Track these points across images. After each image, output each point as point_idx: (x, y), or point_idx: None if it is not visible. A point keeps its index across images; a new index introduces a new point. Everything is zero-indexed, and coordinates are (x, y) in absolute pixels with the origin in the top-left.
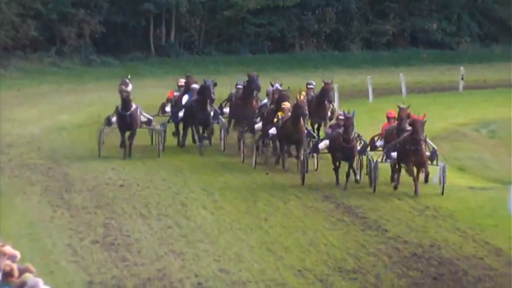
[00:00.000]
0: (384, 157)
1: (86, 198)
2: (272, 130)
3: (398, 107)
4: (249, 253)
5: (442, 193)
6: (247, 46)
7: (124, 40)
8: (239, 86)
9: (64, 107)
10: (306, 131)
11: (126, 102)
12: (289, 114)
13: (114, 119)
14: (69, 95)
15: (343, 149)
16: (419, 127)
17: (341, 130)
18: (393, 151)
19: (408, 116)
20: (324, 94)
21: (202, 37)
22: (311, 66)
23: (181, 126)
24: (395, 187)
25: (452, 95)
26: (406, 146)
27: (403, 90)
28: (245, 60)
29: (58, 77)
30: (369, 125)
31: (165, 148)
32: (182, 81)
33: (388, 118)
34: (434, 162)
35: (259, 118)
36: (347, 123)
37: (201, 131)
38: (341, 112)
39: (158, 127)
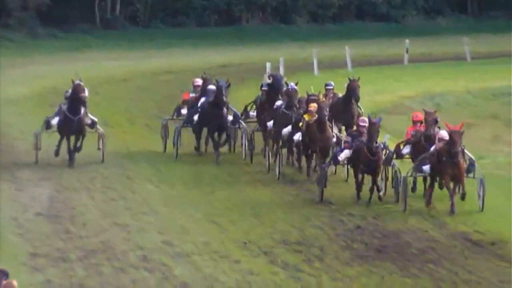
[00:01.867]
0: (414, 171)
1: (32, 171)
2: (297, 136)
3: (424, 111)
4: (194, 225)
5: (482, 209)
6: (194, 19)
7: (70, 13)
8: (264, 88)
9: (11, 80)
10: (335, 138)
11: (78, 106)
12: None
13: (54, 121)
14: (16, 68)
15: (367, 161)
16: (456, 138)
17: (364, 139)
18: (425, 164)
19: (436, 121)
20: (351, 93)
21: (148, 10)
22: (258, 39)
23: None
24: (428, 203)
25: (397, 68)
26: (442, 158)
27: (349, 63)
28: (191, 34)
29: (4, 50)
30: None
31: (178, 155)
32: (198, 81)
33: (414, 121)
34: (471, 175)
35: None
36: (372, 130)
37: (217, 137)
38: (363, 118)
39: (101, 130)
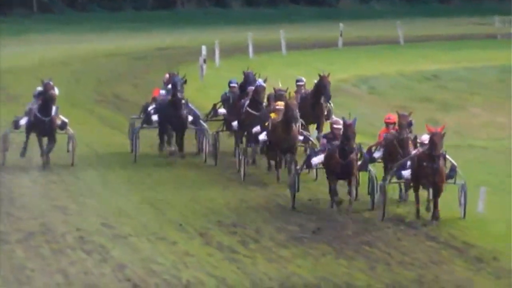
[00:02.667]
0: (391, 177)
1: None
2: (263, 136)
3: (398, 113)
4: (132, 208)
5: (464, 216)
6: (130, 3)
7: None
8: (233, 85)
9: None
10: (302, 137)
11: (49, 106)
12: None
13: (23, 121)
14: None
15: (339, 165)
16: (437, 140)
17: (338, 142)
18: (404, 169)
19: (410, 124)
20: (321, 90)
21: None
22: (193, 23)
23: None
24: (418, 211)
25: (332, 52)
26: (423, 163)
27: (283, 46)
28: (128, 17)
29: None
30: None
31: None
32: (167, 77)
33: (386, 123)
34: (452, 181)
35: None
36: (347, 132)
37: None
38: (336, 119)
39: (71, 131)
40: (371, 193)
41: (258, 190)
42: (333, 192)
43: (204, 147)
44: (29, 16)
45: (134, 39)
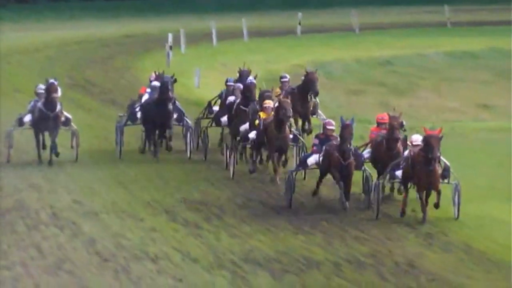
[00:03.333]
0: (387, 177)
1: None
2: (252, 135)
3: (389, 115)
4: (102, 186)
5: (457, 217)
6: None
7: None
8: (229, 83)
9: None
10: (291, 136)
11: (53, 103)
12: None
13: (27, 118)
14: None
15: (339, 165)
16: (434, 143)
17: (335, 142)
18: (398, 169)
19: (401, 125)
20: (308, 86)
21: None
22: (159, 11)
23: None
24: (403, 212)
25: (291, 39)
26: (417, 165)
27: (245, 34)
28: (96, 6)
29: None
30: (212, 69)
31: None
32: (154, 77)
33: (378, 123)
34: (446, 181)
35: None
36: (345, 132)
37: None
38: (329, 120)
39: (74, 127)
40: (366, 192)
41: (222, 171)
42: (317, 186)
43: (189, 143)
44: (5, 5)
45: (104, 27)
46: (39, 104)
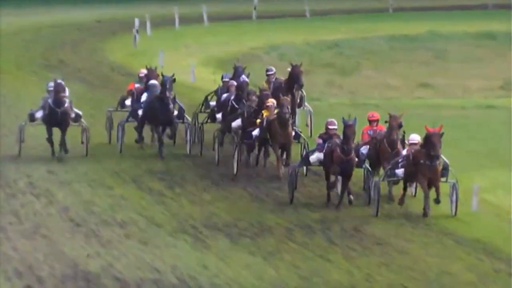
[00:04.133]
0: (386, 175)
1: None
2: (256, 132)
3: (389, 115)
4: (74, 158)
5: (455, 214)
6: None
7: None
8: (225, 79)
9: None
10: (294, 133)
11: (60, 99)
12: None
13: (38, 114)
14: None
15: (341, 161)
16: (436, 140)
17: (338, 140)
18: (397, 168)
19: (401, 125)
20: (294, 79)
21: None
22: None
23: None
24: (401, 202)
25: (247, 23)
26: (419, 162)
27: (205, 18)
28: None
29: None
30: (175, 49)
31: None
32: (143, 72)
33: (370, 121)
34: (444, 179)
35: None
36: (348, 132)
37: (161, 131)
38: (332, 120)
39: (85, 124)
40: (367, 189)
41: (183, 144)
42: (329, 186)
43: (188, 139)
44: None
45: (76, 13)
46: (49, 101)
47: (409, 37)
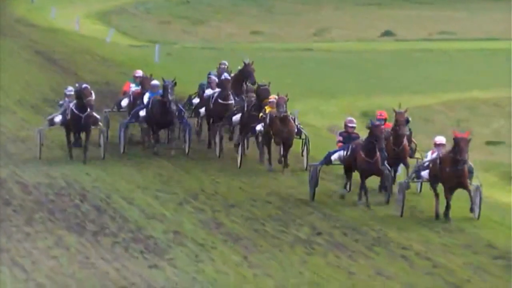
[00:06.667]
0: (413, 176)
1: None
2: (260, 127)
3: (395, 111)
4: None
5: (478, 218)
6: None
7: None
8: (211, 76)
9: None
10: (296, 129)
11: (88, 105)
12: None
13: (57, 119)
14: None
15: (366, 163)
16: (463, 145)
17: (360, 141)
18: (424, 170)
19: (407, 121)
20: (245, 76)
21: None
22: None
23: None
24: (437, 215)
25: None
26: (446, 166)
27: None
28: None
29: None
30: (62, 5)
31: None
32: (138, 72)
33: (377, 120)
34: (468, 181)
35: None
36: (376, 131)
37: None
38: (351, 119)
39: (102, 127)
40: (385, 187)
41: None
42: (364, 189)
43: (187, 141)
44: None
45: None
46: (72, 105)
47: None
